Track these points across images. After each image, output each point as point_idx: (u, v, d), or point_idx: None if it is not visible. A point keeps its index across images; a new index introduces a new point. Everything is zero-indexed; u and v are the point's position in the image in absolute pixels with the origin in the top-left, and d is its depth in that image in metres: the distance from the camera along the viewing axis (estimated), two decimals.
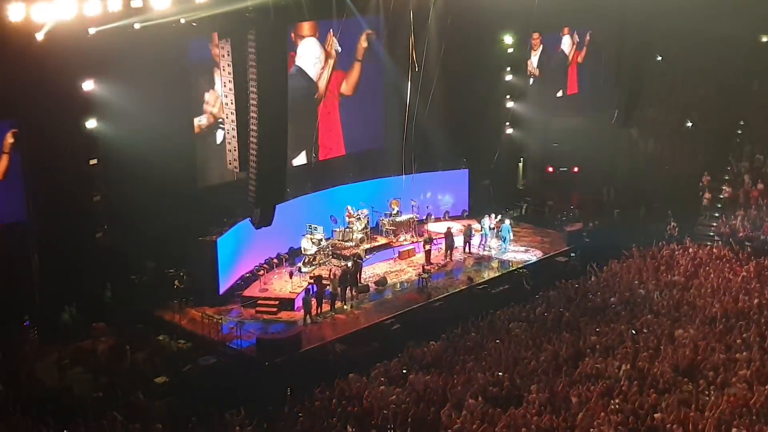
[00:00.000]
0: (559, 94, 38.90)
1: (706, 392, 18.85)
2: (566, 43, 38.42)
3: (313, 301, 25.21)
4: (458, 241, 30.20)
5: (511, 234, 30.89)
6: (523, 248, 30.94)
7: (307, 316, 24.95)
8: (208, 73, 27.14)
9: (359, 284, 26.94)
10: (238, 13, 21.68)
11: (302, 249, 28.18)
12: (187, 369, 22.25)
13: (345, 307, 26.00)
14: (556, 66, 38.24)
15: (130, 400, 20.02)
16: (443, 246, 29.82)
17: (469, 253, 30.12)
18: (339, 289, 26.13)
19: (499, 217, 31.12)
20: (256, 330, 24.25)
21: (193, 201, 26.65)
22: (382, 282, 27.55)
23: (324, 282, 25.84)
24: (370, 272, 28.21)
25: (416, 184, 31.18)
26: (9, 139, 23.15)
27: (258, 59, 21.60)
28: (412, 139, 29.56)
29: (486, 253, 30.29)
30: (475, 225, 30.94)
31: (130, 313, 24.51)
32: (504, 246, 30.50)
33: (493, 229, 30.81)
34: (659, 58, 37.84)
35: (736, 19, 35.93)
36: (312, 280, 26.12)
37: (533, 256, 30.29)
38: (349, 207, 29.73)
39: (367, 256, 28.45)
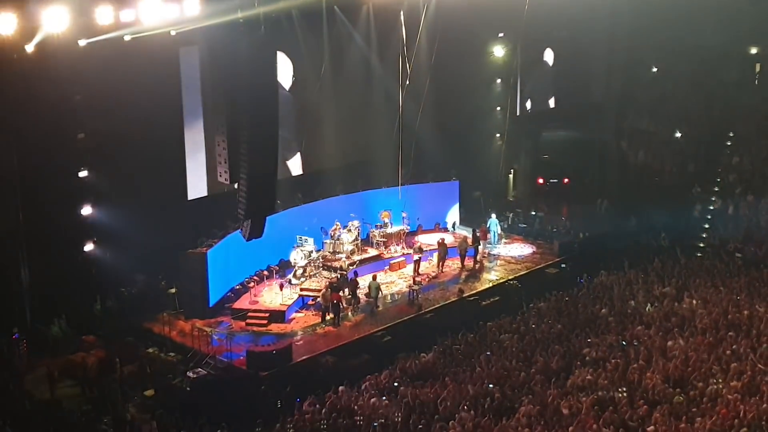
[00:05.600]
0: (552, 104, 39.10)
1: (697, 404, 18.86)
2: (549, 56, 38.60)
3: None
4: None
5: (499, 228, 31.29)
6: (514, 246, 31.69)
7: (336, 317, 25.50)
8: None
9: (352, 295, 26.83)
10: (229, 25, 21.67)
11: (292, 261, 28.09)
12: (176, 382, 22.18)
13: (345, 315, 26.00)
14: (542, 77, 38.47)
15: (119, 413, 19.91)
16: (434, 257, 29.80)
17: (463, 266, 30.04)
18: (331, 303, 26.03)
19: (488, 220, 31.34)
20: (246, 342, 24.17)
21: (184, 213, 26.55)
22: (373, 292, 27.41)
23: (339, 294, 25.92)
24: (361, 283, 28.12)
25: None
26: None
27: (249, 72, 21.57)
28: (401, 150, 29.48)
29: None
30: (469, 237, 30.92)
31: (119, 326, 24.44)
32: (493, 241, 30.76)
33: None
34: (654, 69, 37.99)
35: (725, 31, 36.18)
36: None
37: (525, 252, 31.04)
38: (337, 222, 29.60)
39: (350, 268, 28.32)
